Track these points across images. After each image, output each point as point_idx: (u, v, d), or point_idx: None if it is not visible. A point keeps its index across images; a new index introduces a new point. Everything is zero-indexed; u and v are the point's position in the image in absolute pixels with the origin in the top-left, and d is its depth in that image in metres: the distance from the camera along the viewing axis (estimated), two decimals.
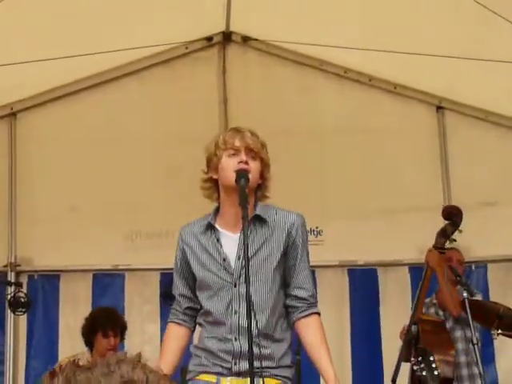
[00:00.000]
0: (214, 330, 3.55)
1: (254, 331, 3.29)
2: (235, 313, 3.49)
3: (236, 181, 3.47)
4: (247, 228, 3.43)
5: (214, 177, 3.61)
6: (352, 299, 6.71)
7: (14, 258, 6.60)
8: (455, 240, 5.49)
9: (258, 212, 3.60)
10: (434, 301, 6.00)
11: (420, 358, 4.21)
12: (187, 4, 5.97)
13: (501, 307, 5.23)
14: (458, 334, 5.79)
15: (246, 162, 3.51)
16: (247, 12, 6.36)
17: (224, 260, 3.56)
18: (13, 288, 6.01)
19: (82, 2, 5.52)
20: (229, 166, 3.52)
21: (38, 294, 6.57)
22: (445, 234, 5.41)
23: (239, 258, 3.51)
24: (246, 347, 3.30)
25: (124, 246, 6.61)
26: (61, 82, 6.67)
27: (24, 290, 6.07)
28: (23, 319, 6.50)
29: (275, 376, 3.52)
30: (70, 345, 6.01)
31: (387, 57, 6.13)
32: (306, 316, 3.61)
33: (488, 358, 6.26)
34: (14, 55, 5.63)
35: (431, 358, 4.17)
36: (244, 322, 3.35)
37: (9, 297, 6.02)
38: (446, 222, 5.44)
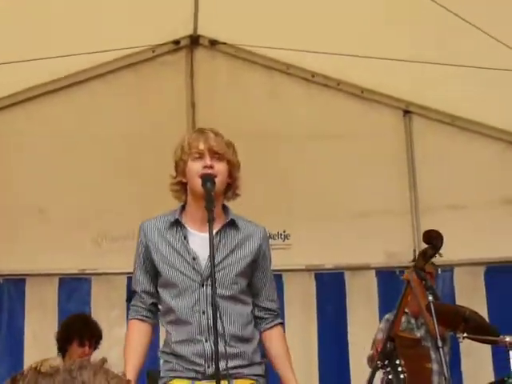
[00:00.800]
0: (181, 331, 3.53)
1: (223, 332, 3.32)
2: (203, 313, 3.48)
3: (202, 185, 3.47)
4: (218, 232, 3.51)
5: (183, 180, 3.61)
6: (319, 303, 6.71)
7: None
8: (434, 264, 5.59)
9: (232, 217, 3.61)
10: (406, 310, 5.99)
11: (386, 362, 4.21)
12: (154, 7, 5.94)
13: (466, 310, 5.26)
14: (429, 343, 5.79)
15: (211, 166, 3.52)
16: (215, 15, 6.35)
17: (194, 259, 3.55)
18: None
19: (50, 6, 5.47)
20: (194, 171, 3.53)
21: (3, 299, 6.51)
22: (425, 257, 5.47)
23: (211, 262, 3.45)
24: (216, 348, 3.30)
25: (91, 249, 6.57)
26: (26, 85, 6.61)
27: None
28: None
29: (247, 376, 3.54)
30: (37, 350, 5.96)
31: (355, 61, 6.16)
32: (271, 327, 3.69)
33: (454, 361, 6.29)
34: None
35: (397, 362, 4.18)
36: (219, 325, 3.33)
37: None
38: (427, 245, 5.50)
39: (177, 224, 3.61)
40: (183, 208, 3.66)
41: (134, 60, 6.78)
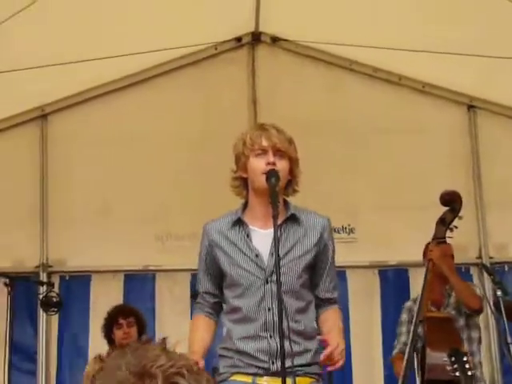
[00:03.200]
0: (245, 328, 3.53)
1: (287, 329, 3.32)
2: (269, 310, 3.48)
3: (266, 180, 3.48)
4: (278, 227, 3.45)
5: (243, 175, 3.62)
6: (383, 300, 6.67)
7: (45, 259, 6.64)
8: (456, 227, 5.22)
9: (292, 211, 3.61)
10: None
11: (453, 359, 4.16)
12: (216, 5, 5.97)
13: None
14: (464, 335, 5.58)
15: (274, 163, 3.52)
16: (276, 12, 6.36)
17: (256, 256, 3.55)
18: (45, 288, 6.05)
19: (111, 5, 5.53)
20: (257, 168, 3.54)
21: (70, 295, 6.60)
22: (444, 222, 5.17)
23: (272, 255, 3.49)
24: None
25: (155, 246, 6.63)
26: (91, 84, 6.70)
27: (56, 290, 6.11)
28: (55, 319, 6.54)
29: (308, 374, 3.54)
30: (101, 345, 6.03)
31: (417, 56, 6.11)
32: (326, 310, 3.68)
33: None
34: (44, 58, 5.67)
35: (464, 359, 4.12)
36: (285, 322, 3.35)
37: (41, 297, 6.06)
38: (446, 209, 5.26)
39: (239, 223, 3.62)
40: (245, 207, 3.67)
41: (198, 57, 6.82)
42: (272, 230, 3.44)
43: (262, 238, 3.55)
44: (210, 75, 6.83)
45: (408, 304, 5.91)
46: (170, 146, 6.72)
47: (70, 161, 6.76)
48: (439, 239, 5.23)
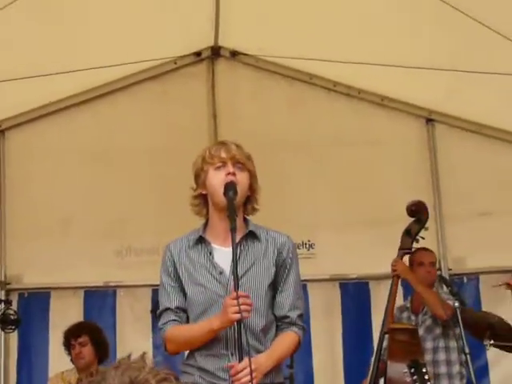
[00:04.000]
0: (207, 346, 3.48)
1: (248, 347, 3.28)
2: (230, 328, 3.41)
3: (224, 193, 3.45)
4: (237, 244, 3.44)
5: (203, 192, 3.59)
6: (344, 313, 6.68)
7: (3, 276, 6.57)
8: (423, 238, 5.29)
9: (251, 228, 3.58)
10: (408, 305, 5.88)
11: (413, 370, 4.18)
12: (176, 19, 5.96)
13: (494, 317, 5.18)
14: (429, 345, 5.65)
15: (234, 174, 3.49)
16: (236, 27, 6.36)
17: (220, 273, 3.52)
18: (2, 305, 5.97)
19: (71, 19, 5.50)
20: (216, 180, 3.50)
21: (29, 312, 6.53)
22: (410, 234, 5.21)
23: (233, 273, 3.42)
24: (245, 360, 3.28)
25: (115, 262, 6.58)
26: (50, 98, 6.66)
27: (14, 307, 6.04)
28: (14, 337, 6.47)
29: None
30: (61, 362, 5.97)
31: (376, 70, 6.14)
32: (281, 333, 3.59)
33: (481, 370, 6.24)
34: (2, 72, 5.62)
35: (423, 370, 4.15)
36: (244, 338, 3.31)
37: None
38: (412, 220, 5.27)
39: (201, 241, 3.59)
40: (206, 225, 3.63)
41: (157, 72, 6.81)
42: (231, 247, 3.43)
43: (223, 255, 3.51)
44: (169, 89, 6.83)
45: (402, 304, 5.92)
46: (129, 161, 6.70)
47: (27, 176, 6.71)
48: (405, 250, 5.26)
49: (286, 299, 3.58)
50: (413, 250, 5.34)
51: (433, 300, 5.54)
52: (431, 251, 5.89)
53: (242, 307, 3.28)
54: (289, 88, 6.87)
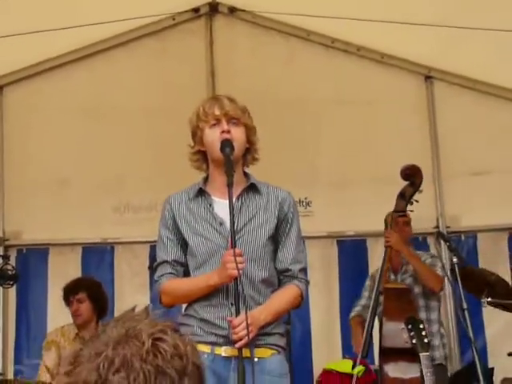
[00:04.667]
0: (207, 296, 3.50)
1: (248, 298, 3.36)
2: None
3: (221, 150, 3.48)
4: (239, 196, 3.51)
5: (202, 149, 3.62)
6: (341, 270, 6.72)
7: (1, 232, 6.59)
8: (417, 201, 5.33)
9: (252, 181, 3.62)
10: (388, 265, 5.92)
11: (410, 327, 4.21)
12: None
13: (492, 275, 5.21)
14: (421, 303, 5.68)
15: (228, 131, 3.52)
16: None
17: (221, 224, 3.55)
18: (0, 261, 5.99)
19: None
20: (212, 138, 3.54)
21: (27, 268, 6.56)
22: (404, 197, 5.26)
23: (231, 229, 3.45)
24: (242, 313, 3.31)
25: (113, 219, 6.60)
26: (48, 55, 6.63)
27: (12, 263, 6.06)
28: (12, 293, 6.50)
29: (270, 345, 3.52)
30: (59, 317, 6.01)
31: (375, 26, 6.11)
32: (282, 286, 3.62)
33: (477, 328, 6.28)
34: None
35: (421, 326, 4.18)
36: (241, 289, 3.36)
37: None
38: (406, 183, 5.32)
39: (201, 193, 3.62)
40: (206, 179, 3.67)
41: (155, 28, 6.77)
42: (234, 198, 3.47)
43: (223, 207, 3.53)
44: (167, 46, 6.80)
45: (372, 272, 6.04)
46: (127, 118, 6.69)
47: (26, 133, 6.71)
48: (399, 212, 5.31)
49: (288, 253, 3.61)
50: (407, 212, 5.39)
51: (425, 272, 5.61)
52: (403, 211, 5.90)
53: (240, 265, 3.31)
54: (286, 44, 6.84)
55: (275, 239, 3.61)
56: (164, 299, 3.58)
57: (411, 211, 5.43)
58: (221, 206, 3.56)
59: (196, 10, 6.81)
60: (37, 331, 6.42)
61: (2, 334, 6.51)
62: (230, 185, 3.41)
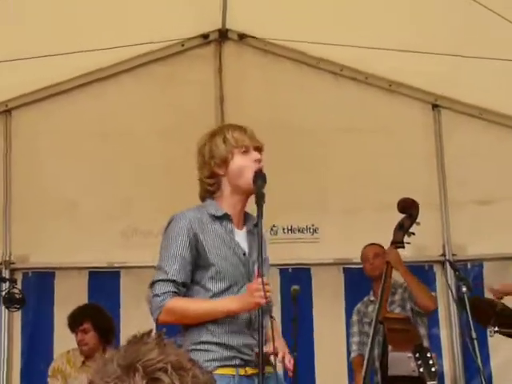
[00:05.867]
0: (229, 324, 3.52)
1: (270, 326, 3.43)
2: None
3: (253, 182, 3.51)
4: (261, 225, 3.48)
5: (221, 173, 3.61)
6: (347, 297, 6.70)
7: (8, 255, 6.59)
8: (414, 233, 5.44)
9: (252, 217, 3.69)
10: (372, 298, 5.93)
11: (417, 355, 4.20)
12: (184, 1, 5.96)
13: (498, 304, 5.21)
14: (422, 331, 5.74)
15: (261, 160, 3.58)
16: (244, 9, 6.35)
17: (244, 255, 3.57)
18: (7, 284, 5.98)
19: (77, 0, 5.50)
20: (243, 165, 3.56)
21: (33, 292, 6.54)
22: (402, 228, 5.37)
23: (250, 255, 3.57)
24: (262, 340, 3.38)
25: (120, 243, 6.60)
26: (57, 79, 6.66)
27: (18, 286, 6.05)
28: (18, 317, 6.49)
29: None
30: (66, 344, 6.00)
31: (383, 54, 6.14)
32: None
33: (483, 357, 6.26)
34: (8, 52, 5.62)
35: (428, 355, 4.17)
36: (257, 316, 3.42)
37: (3, 293, 5.99)
38: (403, 215, 5.39)
39: (223, 218, 3.58)
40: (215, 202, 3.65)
41: (164, 54, 6.80)
42: (245, 230, 3.58)
43: (239, 236, 3.58)
44: (176, 72, 6.82)
45: (358, 306, 6.09)
46: (136, 143, 6.70)
47: (34, 156, 6.72)
48: (397, 244, 5.40)
49: None
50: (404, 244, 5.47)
51: (421, 291, 5.66)
52: (375, 244, 5.99)
53: (268, 294, 3.35)
54: (296, 71, 6.86)
55: None
56: (165, 317, 3.45)
57: (408, 243, 5.50)
58: (239, 235, 3.60)
59: (205, 36, 6.83)
60: (42, 356, 6.38)
61: (7, 359, 6.49)
62: (259, 216, 3.43)
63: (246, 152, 3.57)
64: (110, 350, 5.59)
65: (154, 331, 1.55)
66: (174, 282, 3.49)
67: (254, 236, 3.58)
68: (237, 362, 3.51)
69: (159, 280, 3.51)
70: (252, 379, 3.50)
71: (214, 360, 3.49)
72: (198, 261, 3.52)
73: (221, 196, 3.62)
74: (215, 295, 3.53)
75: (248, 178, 3.53)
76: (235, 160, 3.57)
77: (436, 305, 5.71)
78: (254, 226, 3.62)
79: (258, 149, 3.61)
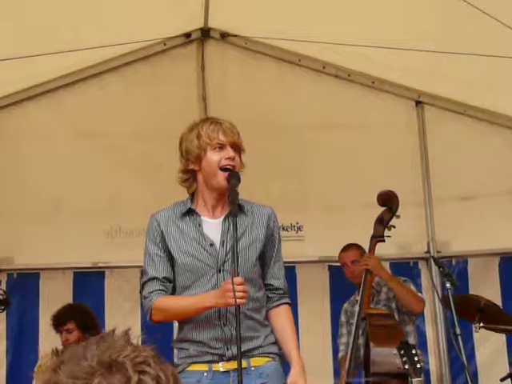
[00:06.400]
0: (198, 317, 3.54)
1: (243, 316, 3.42)
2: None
3: (227, 181, 3.53)
4: (225, 217, 3.59)
5: (195, 168, 3.63)
6: (333, 295, 6.70)
7: None
8: (394, 226, 5.41)
9: (239, 202, 3.63)
10: (357, 297, 5.92)
11: (402, 352, 4.20)
12: (166, 0, 5.94)
13: (482, 300, 5.23)
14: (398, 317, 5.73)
15: (233, 158, 3.57)
16: (225, 8, 6.34)
17: (211, 245, 3.58)
18: None
19: (61, 0, 5.48)
20: (215, 162, 3.57)
21: (18, 293, 6.53)
22: (382, 222, 5.34)
23: (223, 244, 3.55)
24: (235, 332, 3.38)
25: (104, 242, 6.58)
26: (40, 79, 6.63)
27: (3, 288, 6.03)
28: (3, 318, 6.46)
29: (264, 354, 3.60)
30: (51, 342, 5.98)
31: (366, 51, 6.14)
32: (278, 306, 3.71)
33: (468, 351, 6.28)
34: None
35: (413, 351, 4.17)
36: (232, 308, 3.41)
37: None
38: (383, 208, 5.37)
39: (190, 213, 3.64)
40: (192, 197, 3.69)
41: (146, 53, 6.78)
42: (220, 219, 3.58)
43: (211, 227, 3.59)
44: (159, 71, 6.81)
45: (344, 306, 6.05)
46: (119, 142, 6.69)
47: (17, 157, 6.69)
48: (378, 238, 5.36)
49: (279, 270, 3.75)
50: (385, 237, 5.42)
51: (407, 295, 5.60)
52: (352, 247, 5.92)
53: (240, 294, 3.35)
54: (278, 69, 6.86)
55: (262, 256, 3.68)
56: (155, 316, 3.58)
57: (388, 236, 5.48)
58: (210, 226, 3.61)
59: (187, 35, 6.82)
60: (28, 356, 6.37)
61: None
62: (234, 215, 3.47)
63: (219, 149, 3.57)
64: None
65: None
66: (155, 279, 3.59)
67: (237, 223, 3.55)
68: (208, 357, 3.52)
69: (144, 282, 3.65)
70: (228, 374, 3.49)
71: (186, 357, 3.58)
72: (170, 257, 3.61)
73: (196, 189, 3.67)
74: (184, 289, 3.60)
75: (218, 174, 3.55)
76: (207, 157, 3.58)
77: (422, 308, 5.64)
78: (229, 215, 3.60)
79: (235, 144, 3.60)
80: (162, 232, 3.63)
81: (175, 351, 3.68)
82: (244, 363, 3.41)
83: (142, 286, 3.65)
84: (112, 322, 6.40)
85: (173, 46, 6.84)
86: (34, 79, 6.61)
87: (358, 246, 5.82)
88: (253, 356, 3.54)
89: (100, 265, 6.64)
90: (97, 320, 5.94)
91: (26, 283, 6.63)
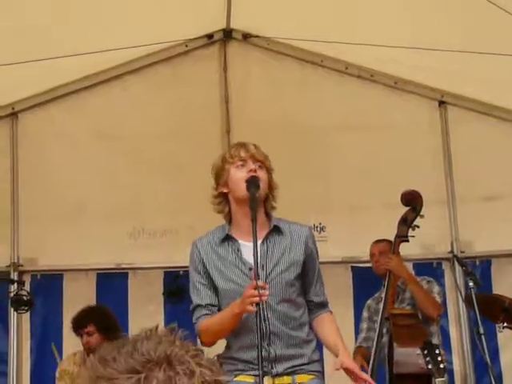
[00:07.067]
0: (242, 339, 3.67)
1: (285, 336, 3.62)
2: (264, 320, 3.58)
3: (247, 188, 3.61)
4: (264, 239, 3.69)
5: (224, 191, 3.74)
6: (356, 296, 6.69)
7: (16, 258, 6.59)
8: (418, 226, 5.40)
9: (274, 223, 3.74)
10: (383, 294, 5.89)
11: (426, 352, 4.19)
12: (188, 1, 5.96)
13: (506, 300, 5.19)
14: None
15: (255, 170, 3.66)
16: (248, 9, 6.34)
17: (250, 269, 3.64)
18: (15, 286, 5.99)
19: (82, 2, 5.50)
20: (238, 177, 3.67)
21: (42, 294, 6.56)
22: (406, 222, 5.32)
23: (263, 268, 3.64)
24: (279, 352, 3.57)
25: (128, 244, 6.60)
26: (62, 81, 6.66)
27: (27, 288, 6.06)
28: (26, 319, 6.50)
29: (308, 372, 3.72)
30: (74, 344, 6.00)
31: (389, 51, 6.12)
32: (320, 314, 3.86)
33: (492, 352, 6.24)
34: (14, 55, 5.63)
35: (437, 351, 4.15)
36: (275, 328, 3.60)
37: (11, 295, 6.00)
38: (407, 208, 5.35)
39: (228, 239, 3.74)
40: (229, 222, 3.78)
41: (168, 54, 6.79)
42: (259, 242, 3.63)
43: (250, 251, 3.63)
44: (181, 72, 6.82)
45: (368, 302, 6.04)
46: (142, 144, 6.70)
47: (41, 159, 6.73)
48: (402, 238, 5.35)
49: (320, 288, 3.90)
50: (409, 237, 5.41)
51: (423, 299, 5.57)
52: (384, 241, 5.90)
53: (263, 298, 3.44)
54: (301, 70, 6.85)
55: (303, 275, 3.79)
56: (204, 339, 3.73)
57: (412, 236, 5.46)
58: (249, 250, 3.65)
59: (210, 36, 6.83)
60: (52, 357, 6.40)
61: (17, 361, 6.49)
62: (253, 220, 3.54)
63: (241, 165, 3.68)
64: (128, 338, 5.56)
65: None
66: (200, 306, 3.76)
67: (274, 245, 3.70)
68: (255, 372, 3.59)
69: (192, 309, 3.82)
70: None
71: (233, 370, 3.70)
72: (212, 284, 3.75)
73: (230, 213, 3.78)
74: None
75: (242, 188, 3.64)
76: (231, 175, 3.70)
77: (440, 311, 5.60)
78: (269, 234, 3.72)
79: (257, 160, 3.69)
80: (202, 260, 3.75)
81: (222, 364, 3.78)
82: (289, 379, 3.61)
83: (192, 312, 3.81)
84: (135, 323, 6.43)
85: (195, 48, 6.85)
86: (57, 81, 6.64)
87: (389, 242, 5.80)
88: (298, 373, 3.67)
89: (123, 266, 6.66)
90: (117, 322, 5.94)
91: (49, 284, 6.66)
